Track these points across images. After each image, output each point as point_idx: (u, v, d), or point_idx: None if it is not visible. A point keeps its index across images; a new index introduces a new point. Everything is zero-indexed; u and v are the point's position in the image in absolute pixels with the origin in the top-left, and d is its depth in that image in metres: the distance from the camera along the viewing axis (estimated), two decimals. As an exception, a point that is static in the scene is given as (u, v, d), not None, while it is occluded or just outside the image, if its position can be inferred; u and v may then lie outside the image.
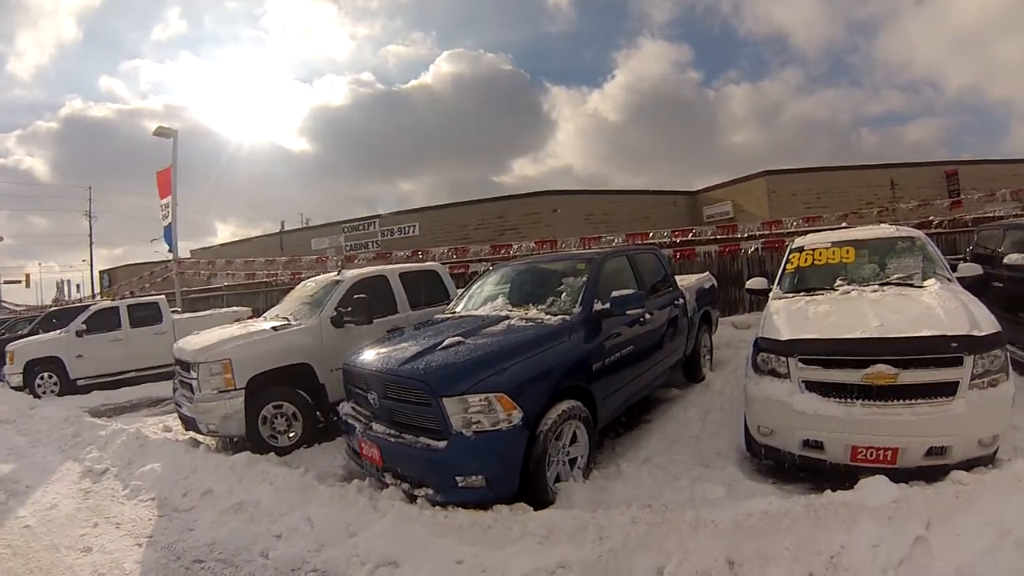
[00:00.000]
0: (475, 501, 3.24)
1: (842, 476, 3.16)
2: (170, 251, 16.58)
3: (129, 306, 11.07)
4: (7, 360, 10.12)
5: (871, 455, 3.12)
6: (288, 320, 5.98)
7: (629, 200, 24.46)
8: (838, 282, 4.32)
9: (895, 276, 4.27)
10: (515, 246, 11.78)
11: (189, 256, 28.72)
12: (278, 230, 30.06)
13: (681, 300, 5.71)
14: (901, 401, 3.09)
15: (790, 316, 3.85)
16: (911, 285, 4.09)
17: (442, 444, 3.26)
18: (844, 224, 10.86)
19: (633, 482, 3.65)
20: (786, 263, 4.96)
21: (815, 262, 4.74)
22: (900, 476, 2.94)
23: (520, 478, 3.27)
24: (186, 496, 4.02)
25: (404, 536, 3.00)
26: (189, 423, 5.44)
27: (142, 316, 10.85)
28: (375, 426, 3.70)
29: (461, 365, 3.37)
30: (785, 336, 3.54)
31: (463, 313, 4.77)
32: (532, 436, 3.29)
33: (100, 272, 37.20)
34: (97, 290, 33.13)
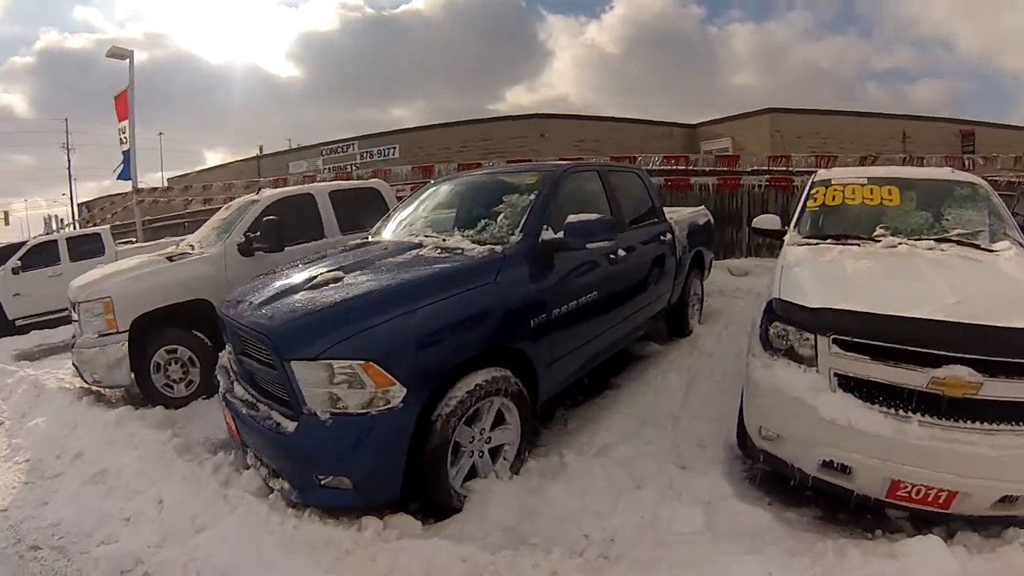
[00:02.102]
0: (340, 507, 2.30)
1: (865, 508, 2.31)
2: (122, 179, 15.29)
3: (68, 239, 10.40)
4: None
5: (918, 494, 2.10)
6: (190, 249, 5.08)
7: (622, 128, 22.64)
8: (879, 231, 3.21)
9: (955, 232, 3.13)
10: (485, 165, 10.33)
11: (166, 185, 27.32)
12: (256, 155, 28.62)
13: (669, 236, 4.59)
14: (979, 424, 2.03)
15: (820, 271, 2.77)
16: (976, 246, 2.99)
17: (292, 427, 2.24)
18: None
19: (579, 485, 2.61)
20: (807, 199, 3.85)
21: (846, 201, 3.61)
22: (937, 518, 2.16)
23: (413, 473, 2.29)
24: (59, 459, 3.56)
25: (249, 545, 2.24)
26: (78, 372, 4.69)
27: (84, 250, 10.16)
28: (236, 388, 2.74)
29: (319, 316, 2.29)
30: (814, 301, 2.40)
31: (376, 239, 3.64)
32: (426, 421, 2.28)
33: (79, 204, 35.81)
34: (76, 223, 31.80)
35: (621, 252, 3.59)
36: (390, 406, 2.14)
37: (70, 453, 3.54)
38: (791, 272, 2.77)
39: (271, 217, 4.79)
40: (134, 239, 12.71)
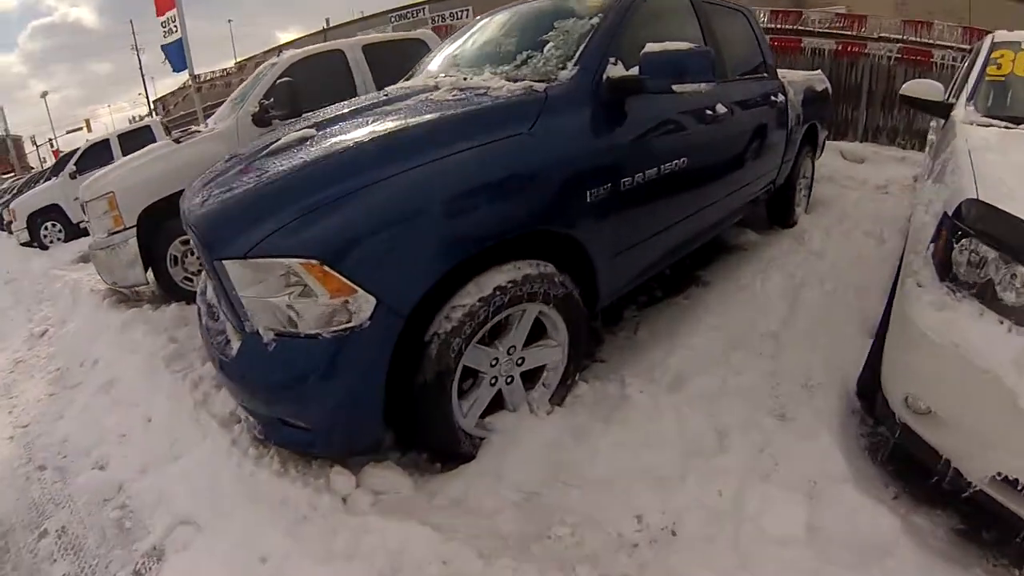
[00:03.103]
0: (306, 451, 1.71)
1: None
2: (177, 71, 14.94)
3: (120, 136, 10.17)
4: (13, 217, 9.69)
5: None
6: (203, 127, 4.52)
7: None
8: None
9: None
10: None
11: (232, 68, 26.88)
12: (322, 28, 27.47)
13: (781, 97, 3.47)
14: None
15: None
16: None
17: (235, 347, 1.59)
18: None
19: (641, 433, 1.86)
20: (985, 65, 2.74)
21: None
22: None
23: (407, 411, 1.62)
24: (81, 367, 3.36)
25: (211, 485, 1.87)
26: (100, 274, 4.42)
27: (135, 144, 9.87)
28: (208, 289, 2.14)
29: (252, 197, 1.55)
30: None
31: (399, 86, 2.72)
32: (418, 341, 1.56)
33: (154, 101, 36.51)
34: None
35: (720, 108, 2.58)
36: (350, 324, 1.41)
37: (90, 360, 3.35)
38: (989, 163, 1.72)
39: (285, 79, 4.04)
40: (197, 127, 12.48)
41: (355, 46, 4.89)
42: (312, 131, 1.84)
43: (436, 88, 2.07)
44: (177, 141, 4.13)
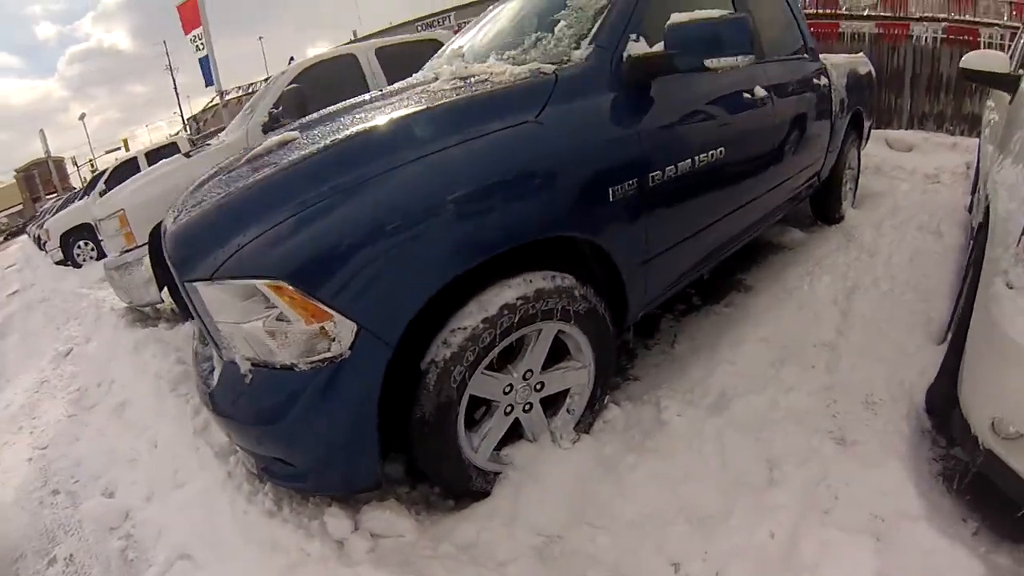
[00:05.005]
0: (299, 490, 1.54)
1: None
2: (208, 85, 15.34)
3: (147, 154, 10.24)
4: (48, 237, 9.90)
5: None
6: (216, 140, 4.51)
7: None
8: None
9: None
10: None
11: (260, 84, 27.55)
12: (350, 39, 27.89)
13: (824, 80, 3.16)
14: None
15: None
16: None
17: (216, 375, 1.40)
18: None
19: (678, 466, 1.63)
20: None
21: None
22: None
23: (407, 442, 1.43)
24: (99, 387, 3.33)
25: (208, 519, 1.74)
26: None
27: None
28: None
29: (220, 211, 1.36)
30: None
31: (404, 82, 2.47)
32: (414, 370, 1.35)
33: (188, 119, 37.54)
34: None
35: (759, 91, 2.30)
36: (330, 355, 1.21)
37: (107, 381, 3.32)
38: None
39: (292, 86, 3.94)
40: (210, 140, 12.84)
41: (368, 49, 4.81)
42: (295, 133, 1.65)
43: (435, 79, 1.85)
44: (187, 155, 4.07)
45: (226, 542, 1.59)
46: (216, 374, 1.42)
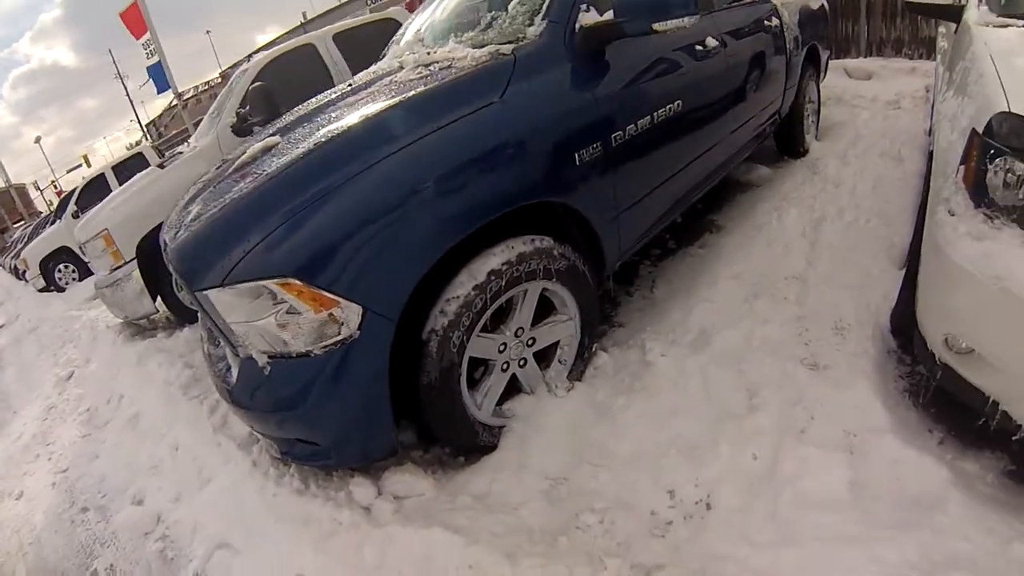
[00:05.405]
0: (322, 465, 1.66)
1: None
2: (162, 92, 14.92)
3: (114, 168, 10.22)
4: (26, 266, 9.81)
5: None
6: (186, 147, 4.50)
7: None
8: None
9: None
10: None
11: (219, 80, 26.66)
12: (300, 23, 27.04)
13: (775, 21, 3.25)
14: None
15: None
16: None
17: (235, 372, 1.53)
18: None
19: (667, 402, 1.77)
20: None
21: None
22: None
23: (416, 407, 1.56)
24: (109, 404, 3.41)
25: (239, 507, 1.86)
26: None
27: (131, 173, 10.13)
28: None
29: (218, 222, 1.47)
30: None
31: (366, 73, 2.52)
32: (416, 341, 1.48)
33: (146, 125, 36.57)
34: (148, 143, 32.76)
35: (711, 42, 2.39)
36: (340, 337, 1.34)
37: (116, 397, 3.38)
38: (1017, 69, 1.51)
39: (257, 84, 3.93)
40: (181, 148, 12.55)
41: (325, 37, 4.74)
42: (276, 138, 1.74)
43: (400, 68, 1.94)
44: (161, 167, 4.08)
45: (260, 525, 1.70)
46: (234, 371, 1.53)
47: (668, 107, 2.08)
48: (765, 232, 2.88)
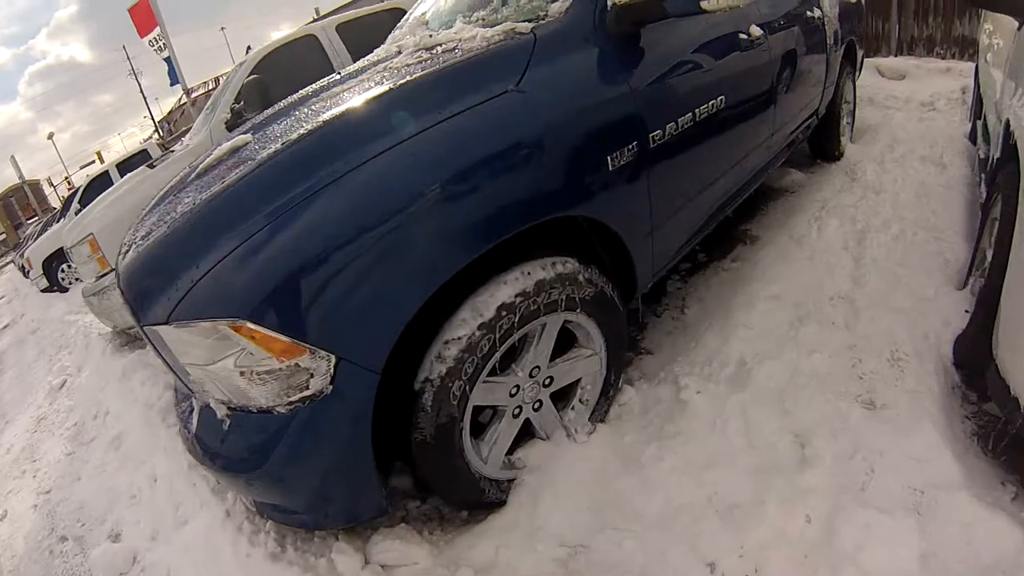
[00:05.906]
0: (301, 527, 1.40)
1: None
2: (173, 84, 14.84)
3: (118, 165, 9.86)
4: (30, 265, 9.74)
5: None
6: (181, 145, 4.32)
7: None
8: None
9: None
10: None
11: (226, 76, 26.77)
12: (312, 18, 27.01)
13: (817, 12, 2.96)
14: None
15: None
16: None
17: (195, 419, 1.26)
18: None
19: (703, 449, 1.51)
20: None
21: None
22: None
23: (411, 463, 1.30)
24: (95, 419, 3.30)
25: (215, 559, 1.64)
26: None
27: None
28: None
29: (167, 244, 1.17)
30: None
31: (364, 59, 2.20)
32: (407, 391, 1.20)
33: (159, 121, 36.67)
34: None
35: (755, 30, 2.10)
36: (309, 393, 1.05)
37: (102, 412, 3.27)
38: None
39: (252, 77, 3.75)
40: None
41: (328, 27, 4.54)
42: (247, 137, 1.46)
43: (398, 54, 1.65)
44: (151, 166, 3.87)
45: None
46: (195, 417, 1.27)
47: (710, 103, 1.77)
48: (805, 245, 2.59)
